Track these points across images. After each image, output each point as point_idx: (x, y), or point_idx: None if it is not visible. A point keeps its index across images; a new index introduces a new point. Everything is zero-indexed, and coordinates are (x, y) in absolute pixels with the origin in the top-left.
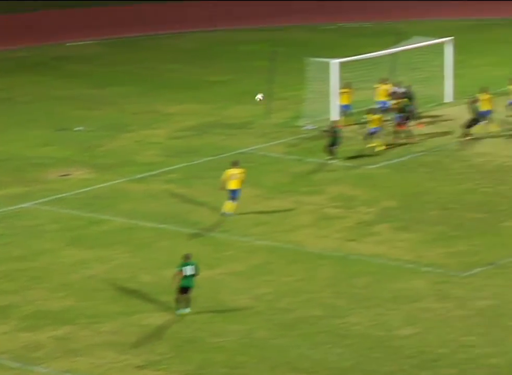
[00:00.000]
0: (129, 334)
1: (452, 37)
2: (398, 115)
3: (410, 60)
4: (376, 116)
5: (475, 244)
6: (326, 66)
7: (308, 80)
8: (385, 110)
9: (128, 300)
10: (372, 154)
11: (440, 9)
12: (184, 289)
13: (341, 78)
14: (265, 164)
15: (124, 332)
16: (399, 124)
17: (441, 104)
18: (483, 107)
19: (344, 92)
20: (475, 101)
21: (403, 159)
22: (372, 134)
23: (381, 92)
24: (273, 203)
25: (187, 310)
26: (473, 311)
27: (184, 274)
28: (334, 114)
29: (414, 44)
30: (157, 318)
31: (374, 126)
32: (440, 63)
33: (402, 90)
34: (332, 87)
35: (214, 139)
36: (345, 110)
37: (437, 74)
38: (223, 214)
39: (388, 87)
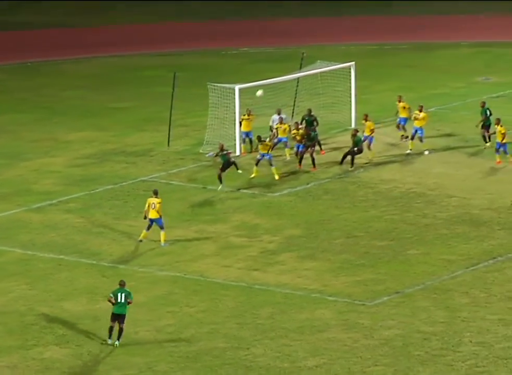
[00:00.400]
0: (26, 369)
1: (354, 62)
2: (299, 144)
3: (313, 85)
4: (262, 144)
5: (381, 272)
6: (229, 91)
7: (210, 106)
8: (285, 143)
9: (25, 333)
10: (276, 182)
11: (343, 34)
12: (115, 316)
13: (243, 104)
14: (166, 193)
15: (22, 366)
16: (302, 152)
17: (347, 130)
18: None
19: (245, 119)
20: (355, 133)
21: (307, 186)
22: (258, 161)
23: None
24: (175, 233)
25: (117, 343)
26: (380, 341)
27: (116, 300)
28: (237, 141)
29: (318, 68)
30: (55, 351)
31: (262, 153)
32: (344, 88)
33: (284, 116)
34: (236, 113)
35: (114, 167)
36: (246, 137)
37: (341, 100)
38: (140, 241)
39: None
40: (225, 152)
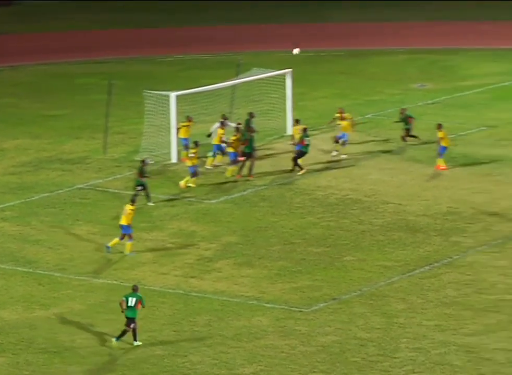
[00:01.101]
0: None
1: (291, 69)
2: (233, 152)
3: (250, 92)
4: (190, 158)
5: (318, 279)
6: (165, 99)
7: (146, 114)
8: (223, 151)
9: None
10: (213, 190)
11: (278, 41)
12: (128, 320)
13: (179, 111)
14: (102, 200)
15: None
16: (235, 161)
17: (283, 136)
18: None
19: (184, 125)
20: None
21: (244, 193)
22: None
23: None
24: (112, 240)
25: (138, 343)
26: (317, 348)
27: (127, 304)
28: (173, 148)
29: (254, 75)
30: None
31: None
32: (280, 95)
33: (232, 124)
34: (172, 120)
35: (50, 175)
36: (185, 144)
37: (277, 106)
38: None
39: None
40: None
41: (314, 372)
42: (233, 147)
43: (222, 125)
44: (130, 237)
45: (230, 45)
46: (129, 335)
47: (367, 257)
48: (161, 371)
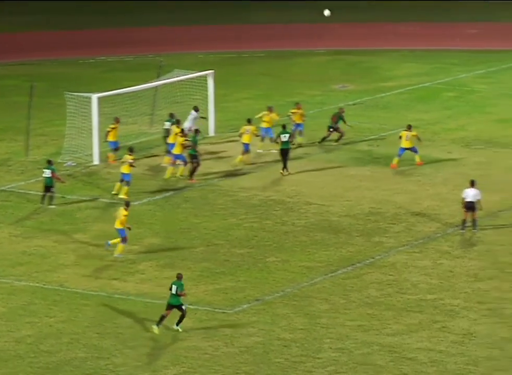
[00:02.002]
0: None
1: (213, 71)
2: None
3: (172, 94)
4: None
5: (241, 280)
6: (86, 101)
7: (68, 116)
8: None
9: None
10: (140, 191)
11: (200, 42)
12: (169, 306)
13: (101, 113)
14: (24, 203)
15: None
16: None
17: (205, 138)
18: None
19: (113, 128)
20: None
21: (167, 195)
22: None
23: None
24: (33, 243)
25: (178, 328)
26: (240, 349)
27: (171, 291)
28: (96, 150)
29: (176, 77)
30: None
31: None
32: (202, 97)
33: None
34: (94, 122)
35: None
36: (113, 146)
37: (199, 108)
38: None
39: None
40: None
41: (237, 373)
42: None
43: (178, 123)
44: (124, 240)
45: (151, 46)
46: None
47: (290, 258)
48: (84, 374)
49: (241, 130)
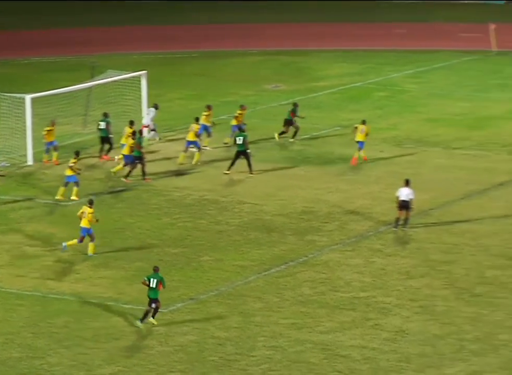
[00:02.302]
0: None
1: (146, 71)
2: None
3: (105, 94)
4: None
5: (175, 279)
6: (20, 101)
7: (1, 117)
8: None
9: None
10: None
11: (132, 43)
12: (150, 300)
13: (35, 113)
14: None
15: None
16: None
17: (140, 138)
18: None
19: (49, 130)
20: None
21: (101, 195)
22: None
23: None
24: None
25: (154, 321)
26: (175, 347)
27: (149, 285)
28: (30, 150)
29: (109, 77)
30: None
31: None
32: (135, 97)
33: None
34: (27, 122)
35: None
36: (49, 147)
37: (132, 108)
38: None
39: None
40: None
41: (172, 371)
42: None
43: (131, 124)
44: (92, 238)
45: (85, 47)
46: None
47: (224, 257)
48: (19, 373)
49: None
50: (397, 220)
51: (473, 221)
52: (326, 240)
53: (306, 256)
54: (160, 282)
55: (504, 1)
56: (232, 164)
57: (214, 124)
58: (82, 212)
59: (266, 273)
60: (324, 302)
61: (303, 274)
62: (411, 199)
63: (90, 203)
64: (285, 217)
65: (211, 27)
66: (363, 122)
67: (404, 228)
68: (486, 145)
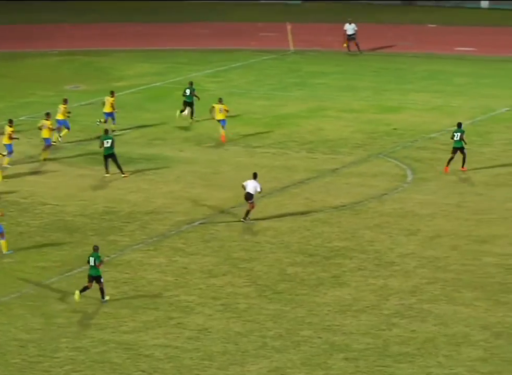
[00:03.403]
0: None
1: None
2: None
3: None
4: None
5: None
6: None
7: None
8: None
9: None
10: None
11: None
12: (90, 278)
13: None
14: None
15: None
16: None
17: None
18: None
19: None
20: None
21: None
22: None
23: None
24: None
25: (106, 298)
26: None
27: (89, 263)
28: None
29: None
30: None
31: None
32: None
33: None
34: None
35: None
36: None
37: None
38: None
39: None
40: None
41: None
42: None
43: (10, 123)
44: (2, 236)
45: None
46: None
47: (26, 259)
48: None
49: (39, 125)
50: (247, 212)
51: (274, 219)
52: (128, 240)
53: (109, 256)
54: (100, 261)
55: (300, 1)
56: (106, 167)
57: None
58: None
59: (68, 273)
60: (127, 302)
61: (106, 274)
62: (256, 192)
63: None
64: (86, 217)
65: (8, 28)
66: (220, 101)
67: (243, 220)
68: (285, 143)
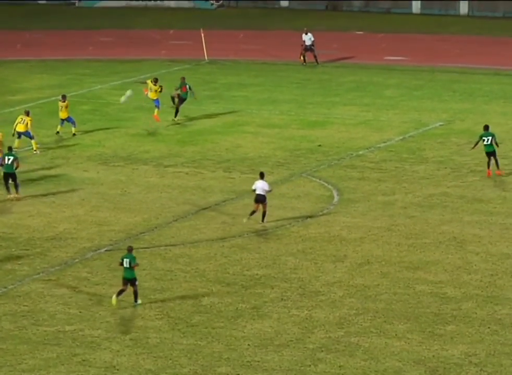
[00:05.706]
0: None
1: None
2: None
3: None
4: None
5: None
6: None
7: None
8: None
9: None
10: None
11: None
12: (125, 281)
13: None
14: None
15: None
16: None
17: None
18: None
19: None
20: None
21: None
22: None
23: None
24: None
25: (139, 302)
26: None
27: (122, 265)
28: None
29: None
30: None
31: None
32: None
33: None
34: None
35: None
36: None
37: None
38: None
39: None
40: None
41: None
42: None
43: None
44: None
45: None
46: None
47: None
48: None
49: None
50: (252, 212)
51: (188, 245)
52: (27, 269)
53: (6, 287)
54: (131, 261)
55: (215, 6)
56: (7, 188)
57: None
58: None
59: None
60: (26, 337)
61: (3, 307)
62: (266, 192)
63: None
64: None
65: None
66: (155, 81)
67: (262, 222)
68: (200, 161)
